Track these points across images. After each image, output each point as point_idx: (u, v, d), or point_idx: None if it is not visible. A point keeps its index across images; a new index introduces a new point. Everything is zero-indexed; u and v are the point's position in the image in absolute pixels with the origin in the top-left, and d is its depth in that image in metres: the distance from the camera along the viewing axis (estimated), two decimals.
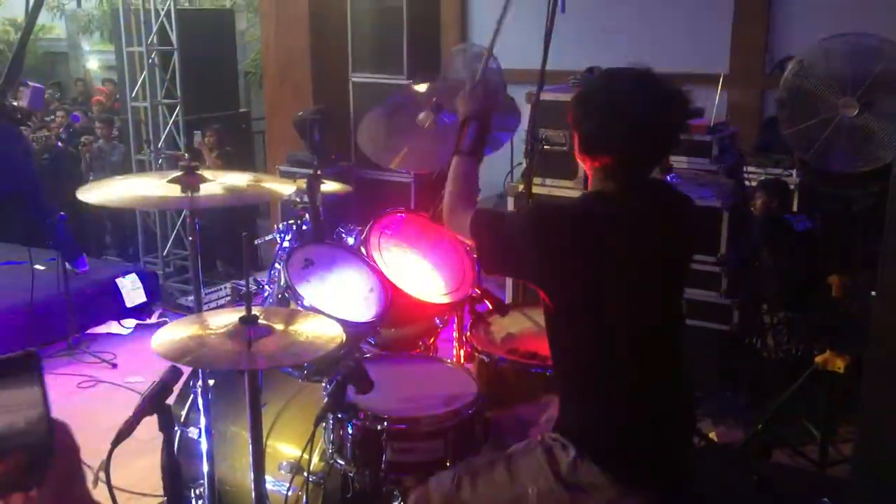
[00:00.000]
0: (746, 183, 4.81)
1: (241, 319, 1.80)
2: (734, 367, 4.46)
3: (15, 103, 1.70)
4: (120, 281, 5.50)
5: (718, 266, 4.37)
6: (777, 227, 4.51)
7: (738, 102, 6.48)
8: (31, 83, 1.67)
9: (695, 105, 2.12)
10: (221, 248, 6.87)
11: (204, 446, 2.21)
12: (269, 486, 2.41)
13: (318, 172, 2.69)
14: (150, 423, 1.65)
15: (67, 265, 5.02)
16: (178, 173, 2.00)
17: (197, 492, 2.38)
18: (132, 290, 5.52)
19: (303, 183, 2.62)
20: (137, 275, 5.65)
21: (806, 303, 4.38)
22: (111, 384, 4.67)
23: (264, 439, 2.43)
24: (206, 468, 2.23)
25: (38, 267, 5.50)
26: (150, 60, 6.67)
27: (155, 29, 6.61)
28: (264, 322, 1.83)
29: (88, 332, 5.27)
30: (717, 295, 4.39)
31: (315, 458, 2.36)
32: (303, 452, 2.20)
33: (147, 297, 5.61)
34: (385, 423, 2.10)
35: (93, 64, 9.70)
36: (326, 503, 2.34)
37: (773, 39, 6.55)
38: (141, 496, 3.18)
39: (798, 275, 4.35)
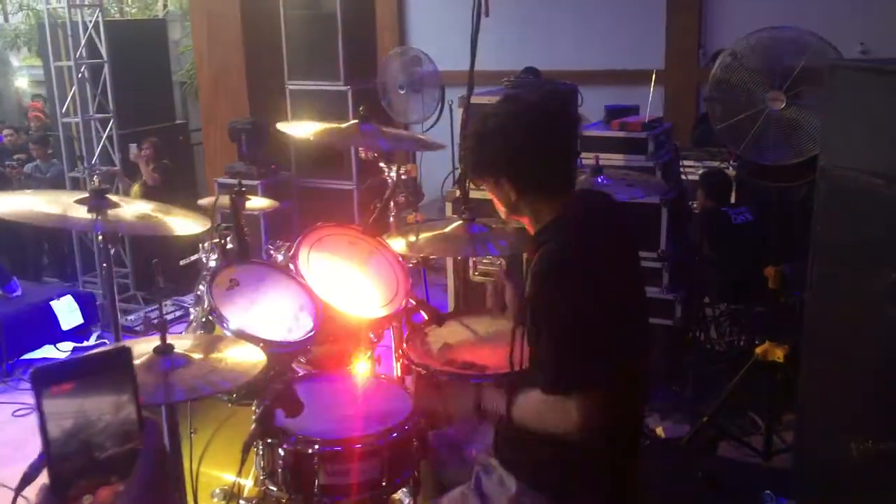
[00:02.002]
0: (683, 178, 4.85)
1: (156, 350, 1.74)
2: (679, 361, 4.49)
3: None
4: (55, 303, 5.33)
5: (659, 261, 4.39)
6: (716, 220, 4.56)
7: (674, 98, 6.56)
8: None
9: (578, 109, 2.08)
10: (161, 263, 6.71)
11: None
12: None
13: (242, 188, 2.62)
14: None
15: None
16: (86, 195, 1.92)
17: None
18: (68, 312, 5.36)
19: (226, 199, 2.55)
20: (73, 296, 5.48)
21: (747, 294, 4.43)
22: None
23: (196, 466, 2.37)
24: None
25: None
26: (80, 74, 6.50)
27: (83, 42, 6.45)
28: (181, 351, 1.76)
29: (24, 358, 5.09)
30: (659, 290, 4.41)
31: (250, 483, 2.30)
32: (235, 479, 2.15)
33: (84, 318, 5.45)
34: (317, 447, 2.04)
35: (21, 81, 9.42)
36: None
37: (707, 34, 6.64)
38: None
39: (738, 267, 4.40)
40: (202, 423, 2.44)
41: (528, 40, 6.88)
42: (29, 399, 4.58)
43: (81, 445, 0.95)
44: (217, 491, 2.30)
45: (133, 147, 6.58)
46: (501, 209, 1.97)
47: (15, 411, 4.50)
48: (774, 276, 3.64)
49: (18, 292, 5.36)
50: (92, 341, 5.43)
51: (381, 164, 3.03)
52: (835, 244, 2.75)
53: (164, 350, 1.73)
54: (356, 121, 2.94)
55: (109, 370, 0.93)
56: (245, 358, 1.85)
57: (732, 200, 4.94)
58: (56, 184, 6.93)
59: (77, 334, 5.42)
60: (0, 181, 7.14)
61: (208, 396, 2.26)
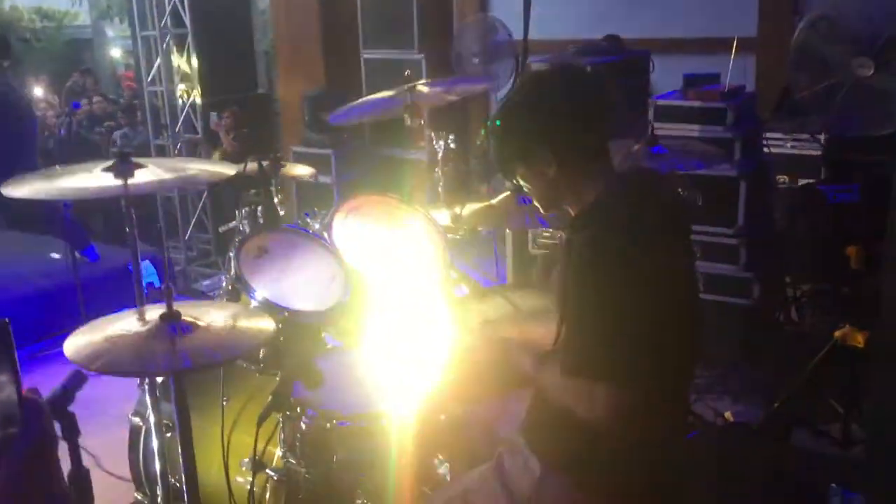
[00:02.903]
0: (767, 151, 4.58)
1: (163, 317, 1.71)
2: (755, 342, 4.26)
3: None
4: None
5: (736, 238, 4.17)
6: (811, 197, 4.27)
7: (765, 67, 6.18)
8: None
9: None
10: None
11: (155, 444, 2.14)
12: (234, 482, 2.34)
13: (278, 154, 2.57)
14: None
15: (77, 254, 5.01)
16: (111, 162, 1.91)
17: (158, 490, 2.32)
18: (146, 276, 5.50)
19: (255, 166, 2.51)
20: (151, 261, 5.63)
21: (833, 276, 4.15)
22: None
23: (227, 434, 2.36)
24: (158, 467, 2.16)
25: (53, 255, 5.55)
26: (165, 44, 6.64)
27: (168, 11, 6.57)
28: (188, 318, 1.73)
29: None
30: (735, 268, 4.19)
31: (278, 454, 2.27)
32: (254, 450, 2.12)
33: (160, 282, 5.60)
34: (335, 421, 1.99)
35: (115, 52, 9.75)
36: (289, 500, 2.25)
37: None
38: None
39: (828, 247, 4.13)
40: (235, 392, 2.43)
41: (610, 7, 6.61)
42: None
43: None
44: (246, 461, 2.28)
45: (213, 116, 6.70)
46: (539, 199, 1.85)
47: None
48: (856, 255, 3.39)
49: (96, 258, 5.52)
50: None
51: (430, 133, 2.94)
52: None
53: (171, 317, 1.70)
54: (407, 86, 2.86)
55: None
56: (256, 326, 1.80)
57: (823, 177, 4.64)
58: (142, 151, 7.12)
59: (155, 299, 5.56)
60: (90, 147, 7.40)
61: (239, 364, 2.26)
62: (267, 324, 1.79)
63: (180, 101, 6.82)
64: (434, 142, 2.92)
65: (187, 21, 6.58)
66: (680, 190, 3.13)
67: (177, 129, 6.82)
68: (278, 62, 7.29)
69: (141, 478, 2.52)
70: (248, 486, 2.29)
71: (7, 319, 0.97)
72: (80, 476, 1.50)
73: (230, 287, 2.23)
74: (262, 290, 2.19)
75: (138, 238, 2.06)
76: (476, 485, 1.88)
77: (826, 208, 4.17)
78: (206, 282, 5.94)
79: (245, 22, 7.57)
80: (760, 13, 6.28)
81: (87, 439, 1.56)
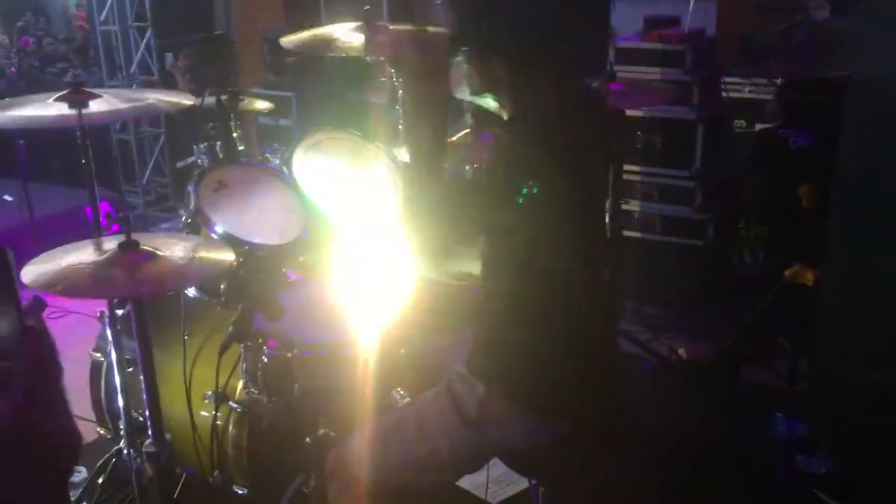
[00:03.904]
0: (724, 95, 4.62)
1: (121, 245, 1.71)
2: (710, 283, 4.36)
3: None
4: (89, 209, 5.40)
5: (692, 180, 4.24)
6: (771, 142, 4.33)
7: (727, 11, 6.18)
8: None
9: None
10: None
11: (116, 379, 2.15)
12: (197, 416, 2.37)
13: (236, 89, 2.55)
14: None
15: None
16: (64, 91, 1.88)
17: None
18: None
19: (213, 100, 2.49)
20: (108, 204, 5.55)
21: (787, 217, 4.25)
22: (81, 314, 4.62)
23: (189, 368, 2.38)
24: (121, 401, 2.17)
25: (6, 198, 5.46)
26: None
27: None
28: (147, 248, 1.73)
29: None
30: (691, 210, 4.27)
31: (239, 386, 2.30)
32: (221, 380, 2.15)
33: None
34: (296, 351, 2.02)
35: None
36: (252, 432, 2.29)
37: None
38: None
39: (785, 190, 4.21)
40: (196, 326, 2.44)
41: None
42: (63, 302, 4.72)
43: None
44: (209, 394, 2.30)
45: (169, 57, 6.54)
46: (474, 85, 1.82)
47: (49, 313, 4.60)
48: (808, 195, 3.47)
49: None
50: None
51: (390, 70, 2.91)
52: (862, 159, 2.58)
53: (129, 245, 1.70)
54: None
55: None
56: (216, 256, 1.81)
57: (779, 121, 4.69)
58: None
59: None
60: (42, 89, 7.19)
61: (202, 297, 2.26)
62: (227, 255, 1.80)
63: (134, 41, 6.64)
64: (394, 78, 2.90)
65: None
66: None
67: (132, 71, 6.65)
68: (234, 0, 7.12)
69: (104, 414, 2.53)
70: (212, 420, 2.32)
71: (8, 247, 0.95)
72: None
73: (189, 220, 2.22)
74: (222, 223, 2.19)
75: (95, 182, 2.04)
76: (427, 404, 1.94)
77: (782, 152, 4.24)
78: (165, 225, 5.87)
79: None
80: None
81: None
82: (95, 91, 1.92)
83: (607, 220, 2.04)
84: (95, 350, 2.56)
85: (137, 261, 1.69)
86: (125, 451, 2.25)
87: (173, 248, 1.77)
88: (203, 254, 1.77)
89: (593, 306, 1.91)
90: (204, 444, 2.34)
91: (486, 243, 1.88)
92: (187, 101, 1.98)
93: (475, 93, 1.87)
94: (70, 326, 4.47)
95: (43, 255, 1.72)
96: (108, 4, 6.55)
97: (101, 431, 2.62)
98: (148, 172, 6.74)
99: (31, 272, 1.64)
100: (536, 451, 1.87)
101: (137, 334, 1.76)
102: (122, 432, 2.31)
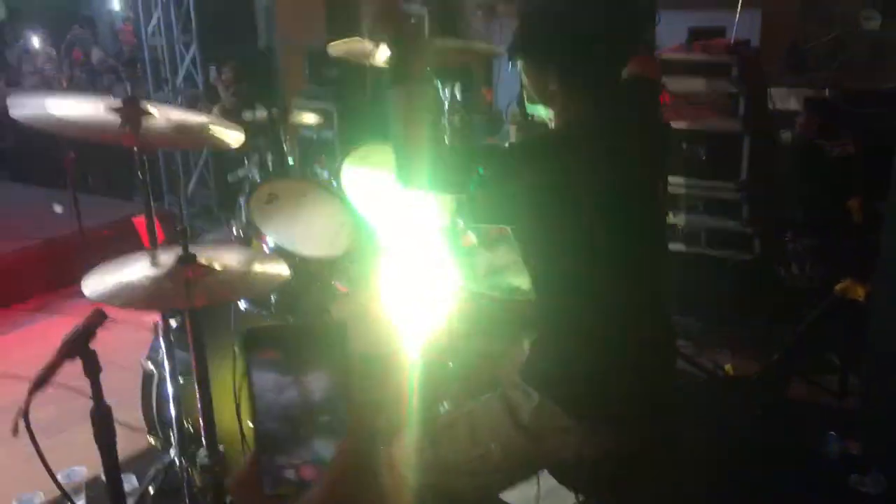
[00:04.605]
0: (772, 106, 4.57)
1: (180, 258, 1.73)
2: (755, 296, 4.30)
3: None
4: (137, 220, 5.50)
5: (739, 193, 4.19)
6: (810, 152, 4.28)
7: (771, 22, 6.11)
8: None
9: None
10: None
11: (170, 389, 2.18)
12: (246, 426, 2.38)
13: (286, 106, 2.58)
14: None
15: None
16: (120, 104, 1.91)
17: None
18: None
19: (265, 115, 2.52)
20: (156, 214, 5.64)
21: (834, 230, 4.18)
22: (129, 323, 4.69)
23: (239, 382, 2.39)
24: (173, 411, 2.20)
25: (56, 209, 5.57)
26: None
27: None
28: (204, 261, 1.75)
29: None
30: (737, 223, 4.22)
31: None
32: None
33: (166, 236, 5.61)
34: None
35: (115, 4, 9.66)
36: None
37: None
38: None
39: (828, 202, 4.15)
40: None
41: None
42: (111, 312, 4.80)
43: (287, 418, 0.89)
44: None
45: (212, 71, 6.65)
46: (530, 93, 1.89)
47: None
48: (858, 209, 3.41)
49: None
50: None
51: (436, 82, 2.93)
52: None
53: (187, 259, 1.73)
54: None
55: (323, 344, 0.86)
56: (271, 270, 1.82)
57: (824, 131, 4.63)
58: None
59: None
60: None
61: (253, 310, 2.28)
62: (282, 268, 1.82)
63: (180, 55, 6.77)
64: (441, 91, 2.92)
65: None
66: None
67: (177, 84, 6.78)
68: (278, 15, 7.22)
69: (154, 423, 2.56)
70: None
71: (346, 322, 0.92)
72: (102, 411, 1.54)
73: (240, 233, 2.25)
74: (273, 236, 2.21)
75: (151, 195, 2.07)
76: (481, 408, 1.94)
77: (826, 163, 4.18)
78: (211, 235, 5.96)
79: None
80: None
81: None
82: (152, 109, 1.94)
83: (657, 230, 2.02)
84: (147, 359, 2.60)
85: (195, 274, 1.71)
86: (177, 461, 2.27)
87: (229, 261, 1.79)
88: (259, 267, 1.79)
89: (646, 320, 1.90)
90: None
91: (535, 259, 1.88)
92: (236, 140, 1.99)
93: (531, 101, 1.93)
94: (119, 333, 4.55)
95: (103, 267, 1.75)
96: (156, 19, 6.69)
97: (152, 441, 2.65)
98: (192, 184, 6.85)
99: (91, 285, 1.67)
100: (587, 462, 1.86)
101: (193, 346, 1.78)
102: (173, 442, 2.34)
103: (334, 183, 2.43)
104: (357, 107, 6.17)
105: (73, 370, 1.55)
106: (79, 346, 1.47)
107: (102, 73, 7.85)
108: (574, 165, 1.76)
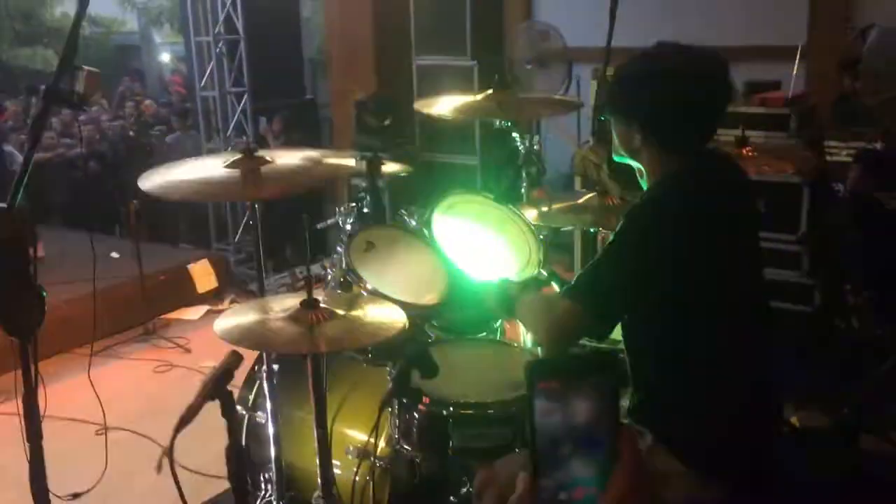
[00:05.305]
0: (827, 157, 4.60)
1: (303, 303, 1.78)
2: (816, 349, 4.28)
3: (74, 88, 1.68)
4: (191, 267, 5.59)
5: (799, 244, 4.20)
6: (868, 204, 4.29)
7: (817, 75, 6.19)
8: (86, 67, 1.64)
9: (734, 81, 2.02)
10: (289, 234, 6.92)
11: (270, 430, 2.20)
12: (336, 470, 2.39)
13: (378, 154, 2.65)
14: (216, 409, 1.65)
15: None
16: (238, 156, 1.97)
17: (266, 476, 2.38)
18: (203, 275, 5.60)
19: (363, 164, 2.58)
20: (208, 261, 5.73)
21: (893, 281, 4.16)
22: (186, 368, 4.74)
23: (330, 424, 2.42)
24: (273, 452, 2.22)
25: (113, 255, 5.66)
26: (218, 49, 6.76)
27: (221, 18, 6.69)
28: (326, 306, 1.79)
29: (162, 316, 5.36)
30: (797, 274, 4.22)
31: (381, 443, 2.33)
32: (369, 437, 2.18)
33: (218, 282, 5.69)
34: (451, 409, 2.05)
35: (164, 57, 9.96)
36: (394, 487, 2.31)
37: (855, 7, 6.22)
38: (211, 478, 3.20)
39: (886, 253, 4.14)
40: (337, 382, 2.48)
41: (656, 15, 6.64)
42: (168, 356, 4.87)
43: (560, 443, 0.96)
44: (350, 448, 2.34)
45: (263, 121, 6.80)
46: (620, 148, 2.00)
47: (156, 367, 4.75)
48: None
49: None
50: (225, 305, 5.65)
51: (514, 134, 3.00)
52: None
53: (310, 304, 1.77)
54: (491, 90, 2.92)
55: (594, 374, 0.93)
56: (386, 316, 1.86)
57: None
58: (195, 155, 7.23)
59: (211, 297, 5.67)
60: (143, 152, 7.53)
61: (346, 354, 2.32)
62: (398, 316, 1.85)
63: (231, 105, 6.93)
64: (518, 142, 2.99)
65: (240, 27, 6.70)
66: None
67: (228, 134, 6.92)
68: (330, 68, 7.40)
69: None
70: (350, 476, 2.35)
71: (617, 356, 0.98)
72: (238, 450, 1.57)
73: (341, 279, 2.30)
74: (373, 283, 2.25)
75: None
76: None
77: (878, 214, 4.19)
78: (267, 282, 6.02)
79: (294, 29, 7.70)
80: (811, 21, 6.30)
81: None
82: (266, 156, 2.00)
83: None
84: (238, 403, 2.62)
85: (319, 319, 1.75)
86: (274, 502, 2.29)
87: (347, 309, 1.83)
88: (376, 314, 1.83)
89: (744, 367, 1.91)
90: (344, 500, 2.36)
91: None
92: (350, 163, 2.06)
93: (620, 156, 2.02)
94: (179, 379, 4.61)
95: (232, 311, 1.80)
96: (209, 71, 6.87)
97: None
98: (240, 231, 6.94)
99: (222, 326, 1.72)
100: None
101: (314, 390, 1.81)
102: (264, 486, 2.35)
103: (426, 231, 2.47)
104: (406, 158, 6.27)
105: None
106: (219, 388, 1.51)
107: (152, 124, 8.04)
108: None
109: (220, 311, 5.35)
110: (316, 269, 6.23)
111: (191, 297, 5.58)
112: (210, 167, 2.03)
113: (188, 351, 4.94)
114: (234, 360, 1.55)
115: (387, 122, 5.51)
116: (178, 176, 1.93)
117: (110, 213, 6.30)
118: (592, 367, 0.89)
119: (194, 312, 5.49)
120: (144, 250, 5.60)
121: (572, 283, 1.90)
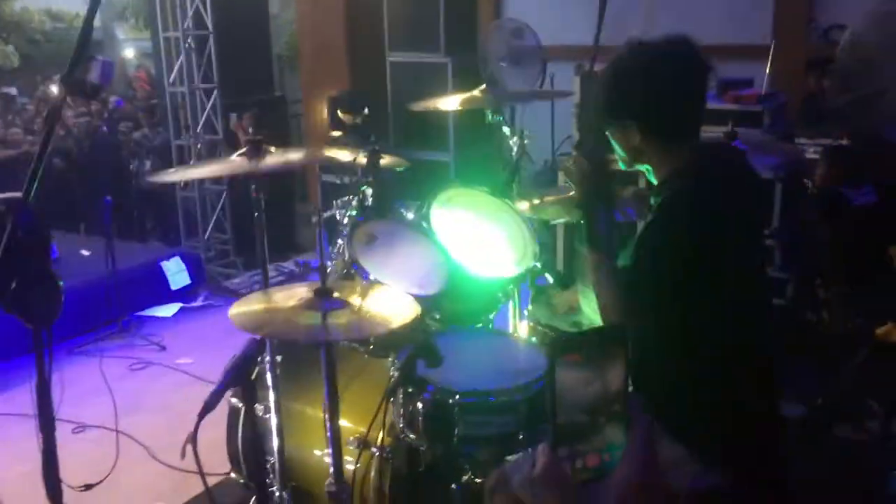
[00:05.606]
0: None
1: (317, 292, 1.78)
2: (790, 342, 4.38)
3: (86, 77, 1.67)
4: (164, 264, 5.53)
5: (771, 238, 4.30)
6: (834, 200, 4.41)
7: (782, 74, 6.33)
8: (100, 57, 1.63)
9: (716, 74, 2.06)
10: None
11: (273, 422, 2.20)
12: None
13: (377, 147, 2.66)
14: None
15: None
16: (244, 149, 1.97)
17: (266, 467, 2.37)
18: (176, 272, 5.55)
19: (363, 157, 2.59)
20: (181, 257, 5.67)
21: (863, 276, 4.28)
22: (161, 366, 4.70)
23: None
24: (276, 443, 2.22)
25: (83, 252, 5.58)
26: (187, 45, 6.67)
27: (190, 13, 6.61)
28: (338, 295, 1.80)
29: (137, 314, 5.30)
30: (770, 268, 4.31)
31: (382, 434, 2.34)
32: (369, 427, 2.19)
33: (191, 279, 5.64)
34: (457, 397, 2.07)
35: (128, 52, 9.78)
36: (395, 478, 2.32)
37: (818, 6, 6.37)
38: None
39: (855, 248, 4.26)
40: (337, 374, 2.48)
41: (628, 14, 6.72)
42: (143, 354, 4.82)
43: (580, 412, 1.02)
44: (350, 439, 2.34)
45: (233, 117, 6.74)
46: (623, 156, 2.00)
47: (131, 365, 4.69)
48: None
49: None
50: (199, 302, 5.60)
51: (505, 129, 3.03)
52: None
53: (324, 293, 1.78)
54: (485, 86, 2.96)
55: (611, 347, 0.97)
56: (396, 306, 1.88)
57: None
58: (163, 151, 7.15)
59: (185, 294, 5.61)
60: (111, 149, 7.41)
61: (347, 345, 2.32)
62: (412, 307, 1.87)
63: (200, 102, 6.85)
64: (509, 137, 3.02)
65: (209, 23, 6.61)
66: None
67: (198, 130, 6.84)
68: (302, 65, 7.36)
69: (238, 458, 2.56)
70: (351, 466, 2.35)
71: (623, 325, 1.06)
72: (255, 438, 1.57)
73: (344, 271, 2.30)
74: (375, 275, 2.27)
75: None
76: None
77: (845, 210, 4.31)
78: (236, 280, 5.97)
79: (263, 26, 7.61)
80: (776, 22, 6.43)
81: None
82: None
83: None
84: (234, 395, 2.61)
85: (331, 308, 1.76)
86: (277, 493, 2.28)
87: (357, 298, 1.84)
88: (387, 303, 1.84)
89: (752, 360, 1.96)
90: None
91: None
92: (343, 158, 2.08)
93: (625, 163, 2.03)
94: (155, 376, 4.56)
95: (243, 300, 1.80)
96: (177, 67, 6.78)
97: (234, 475, 2.65)
98: (210, 228, 6.86)
99: (237, 314, 1.72)
100: (697, 497, 1.89)
101: (327, 378, 1.82)
102: (271, 475, 2.33)
103: (425, 224, 2.49)
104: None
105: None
106: (241, 376, 1.51)
107: (119, 121, 7.91)
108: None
109: (193, 310, 5.38)
110: (289, 265, 6.21)
111: (164, 294, 5.52)
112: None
113: (163, 348, 4.89)
114: (256, 347, 1.55)
115: (359, 120, 5.49)
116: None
117: (76, 211, 6.19)
118: (609, 341, 0.94)
119: (168, 310, 5.43)
120: (115, 248, 5.53)
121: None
